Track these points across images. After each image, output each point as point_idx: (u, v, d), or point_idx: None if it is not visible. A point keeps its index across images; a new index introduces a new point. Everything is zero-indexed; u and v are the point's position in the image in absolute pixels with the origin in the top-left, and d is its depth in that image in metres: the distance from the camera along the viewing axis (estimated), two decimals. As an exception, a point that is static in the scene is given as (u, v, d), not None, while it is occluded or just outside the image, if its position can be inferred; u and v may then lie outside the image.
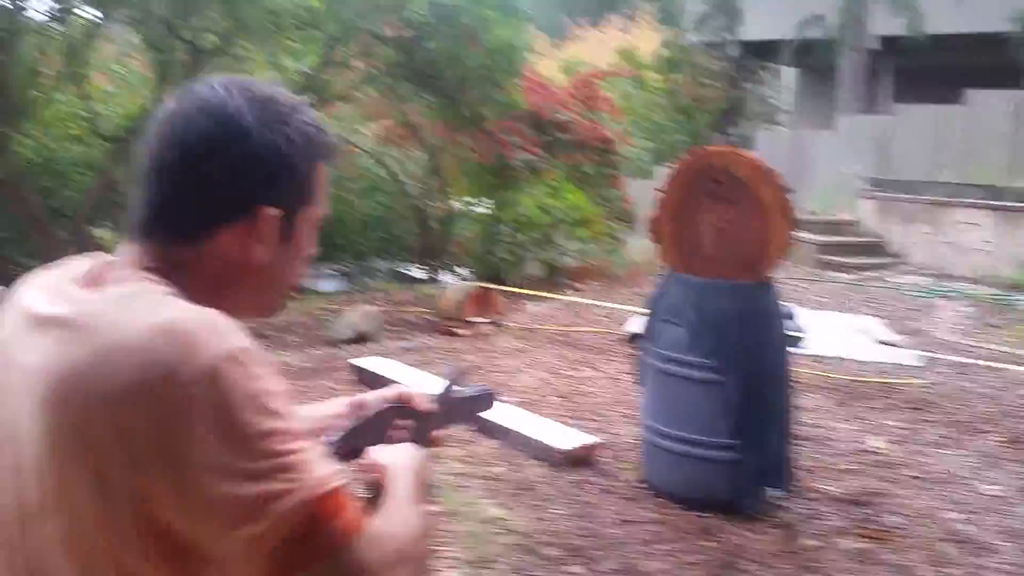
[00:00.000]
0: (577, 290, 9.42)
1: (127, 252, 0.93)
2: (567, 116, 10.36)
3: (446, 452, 4.30)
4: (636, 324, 4.12)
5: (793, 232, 3.80)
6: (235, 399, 0.78)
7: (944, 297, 9.17)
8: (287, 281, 1.00)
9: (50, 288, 0.92)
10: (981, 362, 6.34)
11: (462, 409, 1.28)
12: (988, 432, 4.88)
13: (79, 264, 0.95)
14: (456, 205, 11.13)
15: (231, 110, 0.90)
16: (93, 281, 0.91)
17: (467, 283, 8.57)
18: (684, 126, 18.59)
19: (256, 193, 0.91)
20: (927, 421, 5.04)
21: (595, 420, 4.92)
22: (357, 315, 6.92)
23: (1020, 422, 5.08)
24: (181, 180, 0.90)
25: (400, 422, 1.14)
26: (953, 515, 3.77)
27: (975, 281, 10.06)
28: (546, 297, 8.57)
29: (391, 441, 1.11)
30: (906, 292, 9.38)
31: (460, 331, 7.05)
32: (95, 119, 7.82)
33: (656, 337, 3.87)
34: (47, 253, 6.94)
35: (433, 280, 10.31)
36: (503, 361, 6.18)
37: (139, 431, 0.77)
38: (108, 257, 0.96)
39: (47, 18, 7.30)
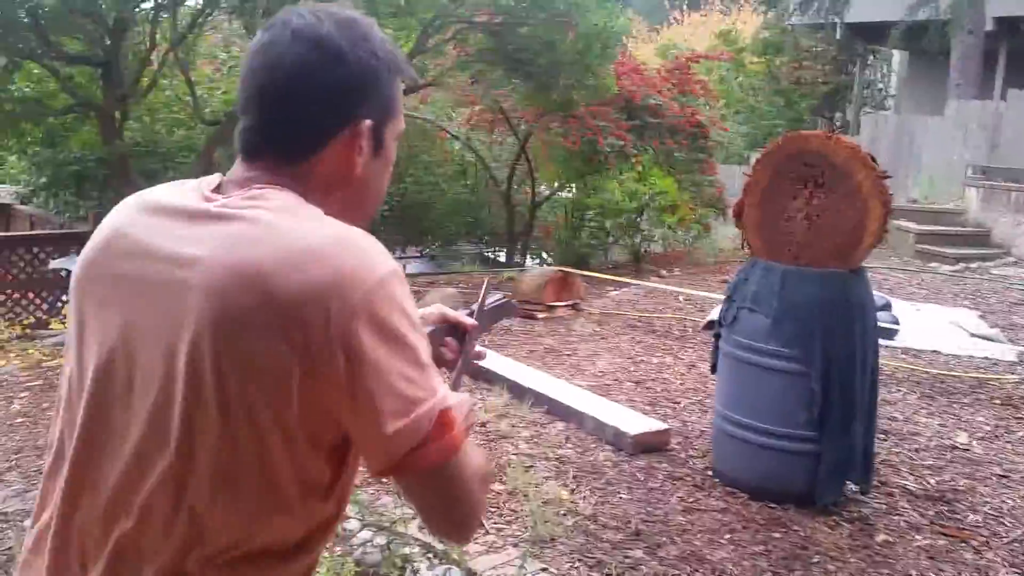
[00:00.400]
0: (661, 277, 9.33)
1: (241, 172, 1.02)
2: (659, 100, 10.24)
3: (516, 433, 4.37)
4: (716, 312, 4.06)
5: (889, 220, 3.67)
6: (396, 309, 0.91)
7: (1051, 291, 8.69)
8: (380, 191, 1.10)
9: (181, 193, 1.02)
10: (1086, 360, 6.01)
11: (493, 318, 1.41)
12: (1087, 433, 4.64)
13: (194, 182, 1.05)
14: (543, 190, 11.16)
15: (324, 34, 0.99)
16: (225, 191, 1.01)
17: (548, 267, 8.60)
18: (783, 111, 18.11)
19: (352, 108, 1.01)
20: (1018, 419, 4.81)
21: (668, 407, 4.89)
22: (438, 296, 7.04)
23: (1125, 424, 4.80)
24: (286, 103, 0.99)
25: (448, 339, 1.26)
26: (1040, 517, 3.61)
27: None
28: (627, 283, 8.52)
29: (443, 359, 1.23)
30: (1009, 285, 8.93)
31: (539, 314, 7.09)
32: (198, 104, 8.16)
33: (735, 324, 3.81)
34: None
35: (518, 264, 10.38)
36: (580, 345, 6.20)
37: (319, 325, 0.87)
38: (219, 176, 1.05)
39: (156, 6, 7.65)
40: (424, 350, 0.93)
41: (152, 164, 8.21)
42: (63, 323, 6.09)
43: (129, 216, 1.03)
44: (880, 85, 19.90)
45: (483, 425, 4.45)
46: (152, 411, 0.93)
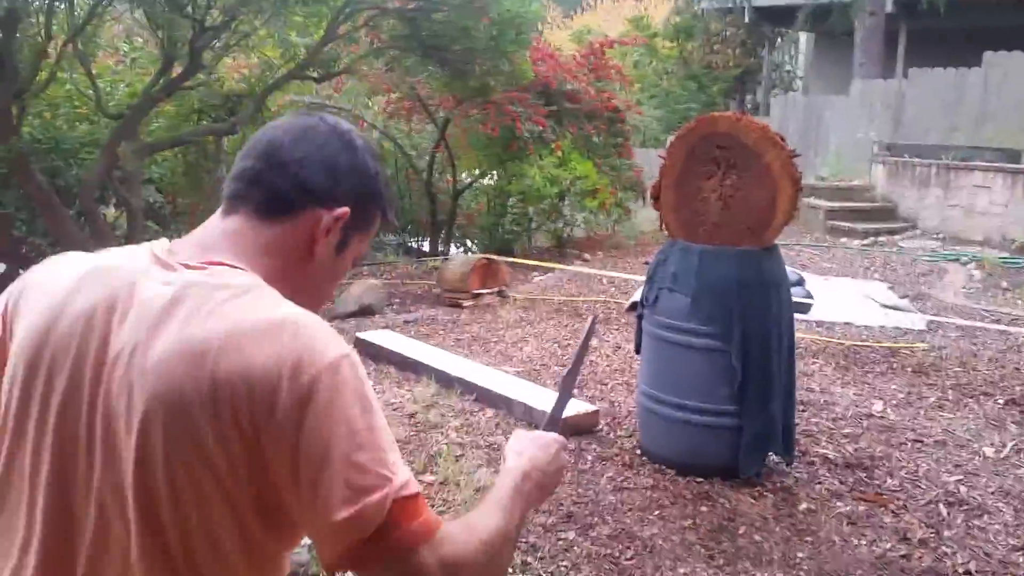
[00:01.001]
0: (585, 261, 9.41)
1: (212, 224, 1.04)
2: (576, 86, 10.28)
3: (446, 422, 4.34)
4: (639, 294, 4.10)
5: (799, 198, 3.75)
6: (347, 394, 0.88)
7: (953, 261, 9.08)
8: (330, 289, 1.12)
9: (131, 259, 1.01)
10: (987, 325, 6.30)
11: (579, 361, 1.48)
12: (991, 395, 4.86)
13: (145, 248, 1.03)
14: (465, 178, 11.11)
15: (353, 136, 1.08)
16: (170, 259, 0.99)
17: (472, 255, 8.57)
18: (696, 95, 18.43)
19: (344, 198, 1.04)
20: (930, 385, 5.02)
21: (596, 389, 4.94)
22: (361, 288, 6.95)
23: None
24: (293, 157, 1.03)
25: None
26: (952, 477, 3.77)
27: (986, 245, 9.95)
28: (551, 268, 8.56)
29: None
30: (915, 257, 9.30)
31: (464, 303, 7.07)
32: (101, 98, 7.84)
33: (656, 305, 3.86)
34: (57, 231, 7.01)
35: (441, 253, 10.33)
36: (507, 332, 6.20)
37: (265, 409, 0.86)
38: (167, 242, 1.05)
39: (50, -3, 7.31)
40: (379, 433, 0.90)
41: (55, 161, 7.84)
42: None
43: (79, 284, 0.99)
44: (788, 67, 20.41)
45: (412, 416, 4.41)
46: (110, 492, 0.91)
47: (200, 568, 0.91)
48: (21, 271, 1.10)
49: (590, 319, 1.45)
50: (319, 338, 0.91)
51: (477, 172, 10.91)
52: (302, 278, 1.04)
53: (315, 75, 8.71)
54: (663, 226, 3.98)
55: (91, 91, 7.76)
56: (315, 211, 1.03)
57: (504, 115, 9.34)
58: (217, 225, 1.03)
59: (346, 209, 1.04)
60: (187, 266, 0.97)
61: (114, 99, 8.50)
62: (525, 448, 1.17)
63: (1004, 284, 8.02)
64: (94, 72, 7.79)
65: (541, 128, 9.59)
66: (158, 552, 0.90)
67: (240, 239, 1.01)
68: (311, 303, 1.04)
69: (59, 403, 0.95)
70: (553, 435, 1.24)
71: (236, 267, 0.98)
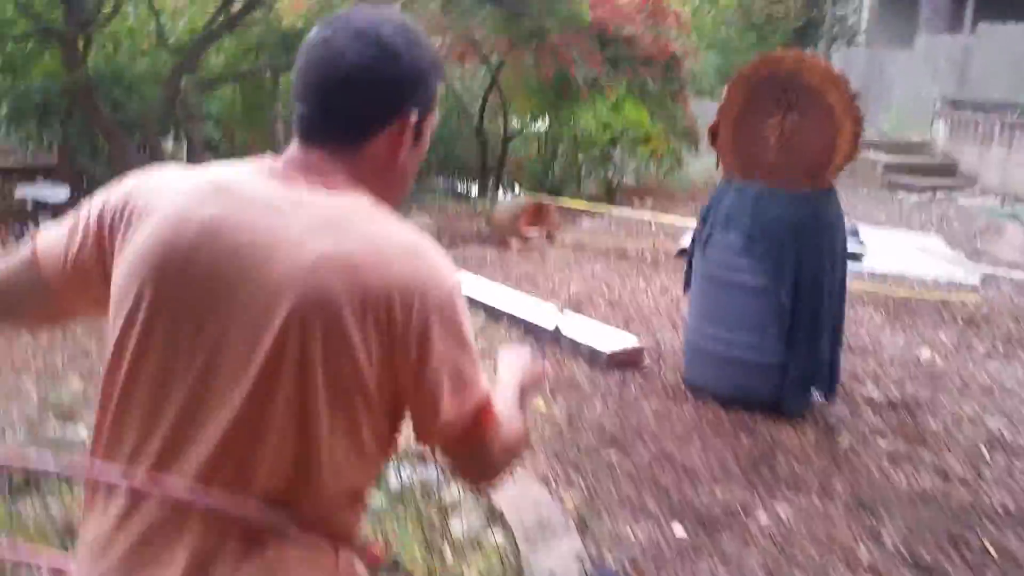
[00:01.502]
0: (634, 208, 9.39)
1: (302, 156, 1.09)
2: (632, 30, 10.14)
3: (493, 352, 4.44)
4: (688, 240, 4.13)
5: (860, 139, 3.72)
6: (460, 314, 1.04)
7: (1012, 219, 8.88)
8: (412, 178, 1.19)
9: (248, 176, 1.08)
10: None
11: None
12: (1043, 348, 4.81)
13: (252, 164, 1.10)
14: (516, 124, 11.09)
15: (384, 35, 1.07)
16: (292, 180, 1.06)
17: (522, 198, 8.61)
18: (756, 45, 18.02)
19: (402, 103, 1.09)
20: (979, 336, 4.98)
21: (641, 326, 4.99)
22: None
23: (1078, 339, 4.99)
24: (345, 95, 1.07)
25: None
26: (995, 422, 3.77)
27: (1049, 204, 9.70)
28: (601, 213, 8.57)
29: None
30: (974, 213, 9.11)
31: (513, 243, 7.13)
32: (163, 32, 7.99)
33: (709, 244, 3.88)
34: (119, 162, 7.21)
35: (491, 197, 10.37)
36: (554, 272, 6.27)
37: (401, 319, 0.99)
38: (275, 160, 1.10)
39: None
40: (475, 351, 1.07)
41: (116, 94, 8.03)
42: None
43: (200, 198, 1.05)
44: (851, 20, 19.84)
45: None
46: (257, 377, 1.00)
47: (336, 454, 1.03)
48: (83, 199, 1.16)
49: None
50: (442, 264, 1.05)
51: (529, 117, 10.87)
52: (388, 180, 1.12)
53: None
54: (721, 164, 3.98)
55: (153, 25, 7.91)
56: (392, 125, 1.09)
57: (558, 59, 9.27)
58: (304, 151, 1.09)
59: (413, 117, 1.09)
60: (306, 182, 1.05)
61: (174, 34, 8.64)
62: (513, 362, 1.37)
63: (1064, 243, 7.84)
64: (156, 7, 7.93)
65: (596, 73, 9.50)
66: (302, 443, 1.01)
67: (335, 165, 1.08)
68: (399, 198, 1.15)
69: (191, 300, 1.02)
70: (526, 349, 1.44)
71: (343, 186, 1.06)
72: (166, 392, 1.03)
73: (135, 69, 8.47)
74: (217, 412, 1.01)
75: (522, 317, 4.84)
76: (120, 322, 1.05)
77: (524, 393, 1.32)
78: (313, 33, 1.10)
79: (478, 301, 5.10)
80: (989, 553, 2.77)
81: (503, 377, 1.31)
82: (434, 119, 1.16)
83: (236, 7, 7.78)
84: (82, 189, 7.42)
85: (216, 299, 1.01)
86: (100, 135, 7.41)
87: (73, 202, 6.84)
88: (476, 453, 1.11)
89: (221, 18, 7.67)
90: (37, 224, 6.91)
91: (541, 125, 10.70)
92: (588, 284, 5.94)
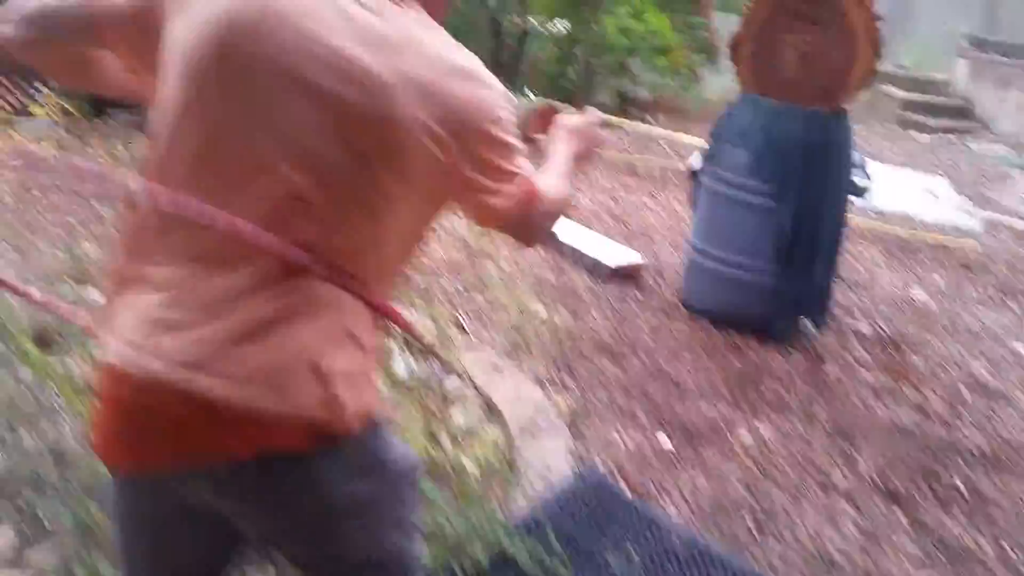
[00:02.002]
0: (647, 122, 9.30)
1: None
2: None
3: (498, 252, 4.51)
4: (698, 160, 4.14)
5: (877, 64, 3.71)
6: (509, 123, 1.23)
7: (1022, 169, 8.86)
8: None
9: None
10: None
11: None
12: (1035, 298, 4.91)
13: None
14: (533, 22, 10.83)
15: None
16: None
17: (533, 100, 8.51)
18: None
19: None
20: (973, 281, 5.06)
21: (644, 242, 5.06)
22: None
23: (1070, 292, 5.08)
24: None
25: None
26: (978, 365, 3.88)
27: (1062, 156, 9.65)
28: (614, 124, 8.49)
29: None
30: (984, 160, 9.08)
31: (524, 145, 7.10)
32: None
33: (718, 159, 3.90)
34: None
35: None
36: (563, 178, 6.27)
37: (462, 132, 1.17)
38: None
39: None
40: (520, 146, 1.26)
41: None
42: (44, 108, 5.98)
43: None
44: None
45: (464, 240, 4.58)
46: (322, 172, 1.11)
47: (392, 229, 1.19)
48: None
49: None
50: (495, 85, 1.22)
51: (548, 17, 10.62)
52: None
53: None
54: (738, 78, 3.96)
55: None
56: None
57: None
58: None
59: None
60: None
61: None
62: (572, 133, 1.60)
63: (1069, 197, 7.86)
64: None
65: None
66: (368, 217, 1.16)
67: None
68: (442, 13, 1.27)
69: (248, 87, 1.10)
70: (588, 117, 1.66)
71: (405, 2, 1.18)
72: (226, 143, 1.12)
73: None
74: (277, 180, 1.10)
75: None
76: (178, 88, 1.11)
77: (577, 159, 1.56)
78: None
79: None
80: (959, 490, 2.91)
81: (556, 146, 1.55)
82: None
83: None
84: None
85: (286, 79, 1.09)
86: None
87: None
88: (522, 226, 1.35)
89: None
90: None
91: (561, 27, 10.46)
92: (594, 197, 5.96)
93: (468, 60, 1.20)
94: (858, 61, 3.63)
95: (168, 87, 1.12)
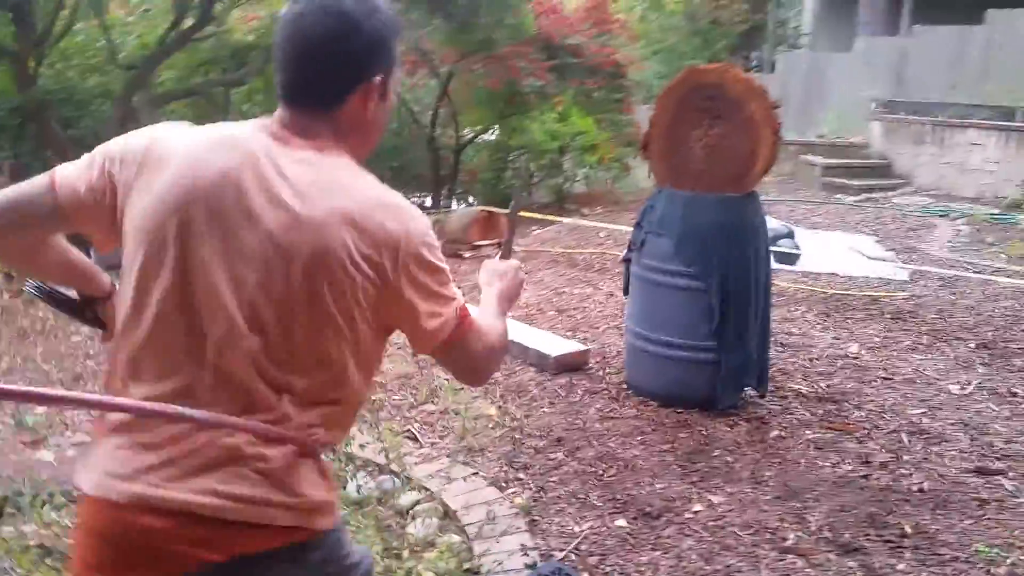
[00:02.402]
0: (583, 215, 9.63)
1: (289, 117, 1.30)
2: (578, 40, 10.41)
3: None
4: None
5: (778, 147, 3.98)
6: (434, 250, 1.31)
7: (943, 216, 9.30)
8: (383, 128, 1.42)
9: (248, 134, 1.29)
10: (968, 274, 6.54)
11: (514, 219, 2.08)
12: (964, 339, 5.13)
13: (249, 125, 1.32)
14: (467, 133, 11.28)
15: (346, 9, 1.26)
16: (287, 140, 1.28)
17: (473, 207, 8.80)
18: (701, 51, 18.43)
19: (367, 68, 1.29)
20: (906, 330, 5.29)
21: (588, 332, 5.22)
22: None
23: (996, 330, 5.32)
24: (317, 65, 1.29)
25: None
26: (916, 411, 4.05)
27: (978, 202, 10.15)
28: (551, 220, 8.80)
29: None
30: (906, 212, 9.52)
31: (465, 254, 7.33)
32: (114, 49, 8.03)
33: (644, 248, 4.11)
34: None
35: (443, 208, 10.54)
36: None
37: (392, 261, 1.25)
38: (269, 122, 1.32)
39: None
40: (448, 274, 1.35)
41: (67, 112, 8.06)
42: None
43: (214, 150, 1.26)
44: (795, 24, 20.37)
45: (415, 354, 4.69)
46: (277, 310, 1.24)
47: (347, 367, 1.30)
48: None
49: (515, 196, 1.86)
50: (418, 216, 1.32)
51: (480, 127, 11.08)
52: (365, 134, 1.35)
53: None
54: (651, 173, 4.22)
55: (103, 42, 7.95)
56: (354, 92, 1.29)
57: (507, 69, 9.50)
58: (291, 114, 1.29)
59: (377, 78, 1.29)
60: (299, 143, 1.27)
61: (124, 50, 8.68)
62: (492, 277, 1.67)
63: (990, 239, 8.25)
64: (106, 23, 7.97)
65: (543, 83, 9.74)
66: (323, 363, 1.27)
67: (318, 125, 1.29)
68: (371, 145, 1.38)
69: (207, 244, 1.22)
70: (509, 262, 1.73)
71: (330, 146, 1.29)
72: (190, 317, 1.24)
73: (85, 86, 8.50)
74: (239, 339, 1.23)
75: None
76: (143, 250, 1.25)
77: (504, 300, 1.62)
78: (286, 9, 1.30)
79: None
80: (905, 533, 3.02)
81: (484, 290, 1.63)
82: (398, 76, 1.38)
83: (187, 23, 7.87)
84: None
85: (230, 239, 1.22)
86: (52, 154, 7.43)
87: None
88: (462, 354, 1.39)
89: (173, 34, 7.75)
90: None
91: (491, 135, 10.90)
92: (538, 292, 6.16)
93: (393, 196, 1.30)
94: (761, 147, 3.90)
95: (129, 257, 1.27)
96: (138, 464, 1.21)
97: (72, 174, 1.32)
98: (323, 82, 1.28)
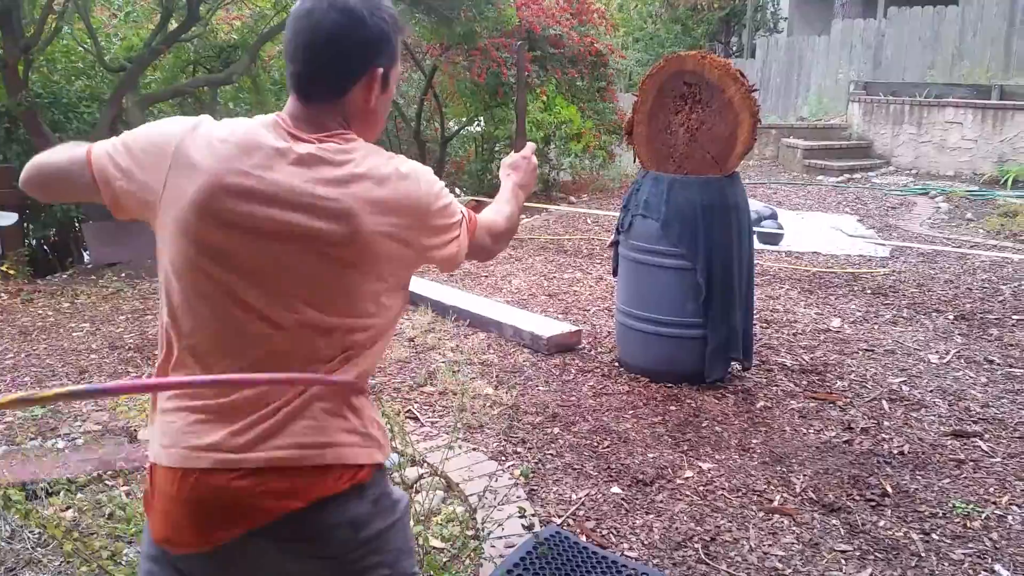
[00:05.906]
0: (571, 203, 9.77)
1: (302, 108, 1.42)
2: (559, 31, 10.53)
3: (442, 344, 4.77)
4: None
5: (757, 130, 4.12)
6: (443, 202, 1.46)
7: (922, 195, 9.48)
8: (385, 117, 1.56)
9: (265, 132, 1.39)
10: (947, 249, 6.72)
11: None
12: (943, 312, 5.30)
13: (261, 120, 1.44)
14: (452, 125, 11.38)
15: (351, 4, 1.38)
16: (300, 128, 1.39)
17: (461, 198, 8.92)
18: (681, 37, 18.59)
19: (370, 60, 1.41)
20: (887, 304, 5.46)
21: (579, 314, 5.36)
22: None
23: (974, 301, 5.50)
24: (325, 57, 1.41)
25: None
26: (896, 379, 4.21)
27: (957, 179, 10.35)
28: (539, 208, 8.93)
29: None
30: (887, 191, 9.70)
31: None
32: (100, 52, 8.09)
33: (630, 230, 4.25)
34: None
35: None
36: (497, 268, 6.60)
37: (415, 224, 1.40)
38: (281, 115, 1.44)
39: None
40: (452, 201, 1.48)
41: (56, 115, 8.11)
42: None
43: (236, 153, 1.37)
44: (772, 8, 20.54)
45: (412, 340, 4.83)
46: (315, 289, 1.37)
47: (382, 307, 1.43)
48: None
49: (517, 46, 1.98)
50: (425, 177, 1.44)
51: (464, 120, 11.19)
52: (369, 122, 1.47)
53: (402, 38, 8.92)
54: (636, 158, 4.36)
55: (89, 45, 8.00)
56: (359, 82, 1.40)
57: (490, 61, 9.61)
58: (302, 106, 1.42)
59: (379, 69, 1.41)
60: (314, 134, 1.39)
61: (110, 53, 8.73)
62: (508, 169, 1.91)
63: (968, 215, 8.44)
64: (91, 27, 8.03)
65: (526, 73, 9.84)
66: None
67: (326, 115, 1.41)
68: (375, 132, 1.50)
69: (241, 235, 1.35)
70: (522, 153, 1.93)
71: (343, 133, 1.41)
72: (228, 303, 1.37)
73: (72, 90, 8.54)
74: (290, 313, 1.36)
75: (467, 309, 5.17)
76: (180, 244, 1.37)
77: (518, 188, 1.86)
78: (297, 5, 1.43)
79: (425, 298, 5.41)
80: (886, 492, 3.18)
81: (503, 181, 1.87)
82: (399, 67, 1.51)
83: (172, 25, 7.93)
84: (27, 214, 7.49)
85: (260, 234, 1.35)
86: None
87: (19, 227, 6.95)
88: (474, 248, 1.58)
89: (160, 35, 7.81)
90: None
91: (477, 127, 11.01)
92: (528, 278, 6.29)
93: (404, 164, 1.42)
94: (740, 129, 4.04)
95: (171, 250, 1.39)
96: (218, 433, 1.35)
97: (104, 156, 1.44)
98: (330, 72, 1.40)
